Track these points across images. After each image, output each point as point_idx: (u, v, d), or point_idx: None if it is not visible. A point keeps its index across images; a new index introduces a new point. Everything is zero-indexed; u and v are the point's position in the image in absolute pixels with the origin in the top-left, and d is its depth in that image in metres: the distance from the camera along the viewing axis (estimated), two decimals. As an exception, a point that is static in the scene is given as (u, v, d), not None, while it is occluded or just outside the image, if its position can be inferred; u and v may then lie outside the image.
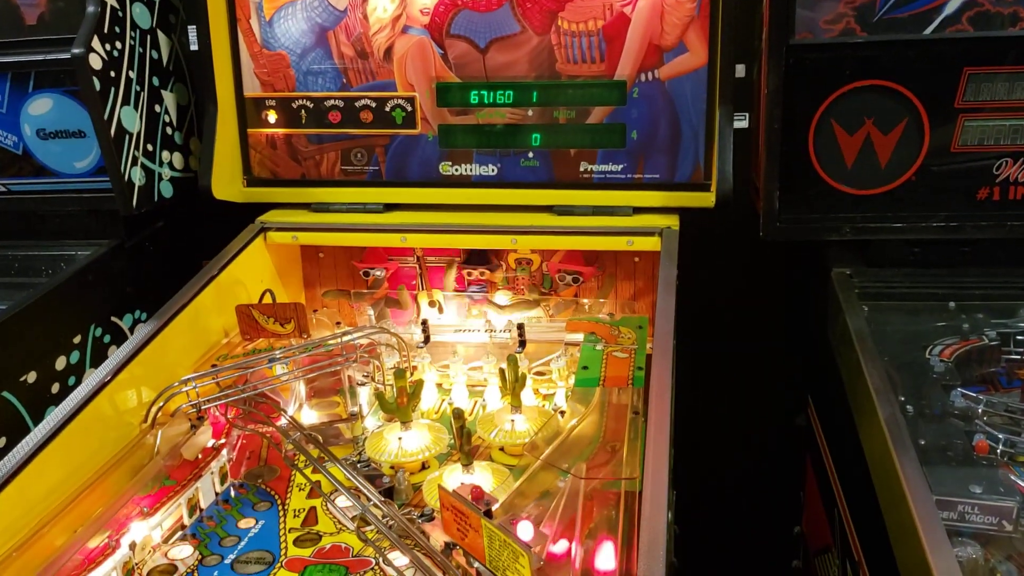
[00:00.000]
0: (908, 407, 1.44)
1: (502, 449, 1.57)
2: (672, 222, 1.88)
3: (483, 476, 1.43)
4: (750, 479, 2.39)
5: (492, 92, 1.91)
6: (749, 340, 2.32)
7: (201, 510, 1.50)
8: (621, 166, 1.92)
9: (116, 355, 1.53)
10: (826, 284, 1.82)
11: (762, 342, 2.32)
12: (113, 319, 1.96)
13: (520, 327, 1.79)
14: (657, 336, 1.51)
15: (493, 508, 1.21)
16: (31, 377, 1.74)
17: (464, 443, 1.40)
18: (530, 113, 1.91)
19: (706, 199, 1.86)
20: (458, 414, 1.41)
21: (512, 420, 1.57)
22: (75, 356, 1.85)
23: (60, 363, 1.81)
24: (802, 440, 2.11)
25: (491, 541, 1.19)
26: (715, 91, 1.84)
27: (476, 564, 1.24)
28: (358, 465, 1.53)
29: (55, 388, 1.79)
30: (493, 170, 1.95)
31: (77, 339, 1.86)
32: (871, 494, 1.40)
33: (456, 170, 1.95)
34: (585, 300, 1.97)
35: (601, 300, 2.02)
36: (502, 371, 1.57)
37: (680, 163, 1.90)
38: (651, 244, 1.84)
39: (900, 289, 1.79)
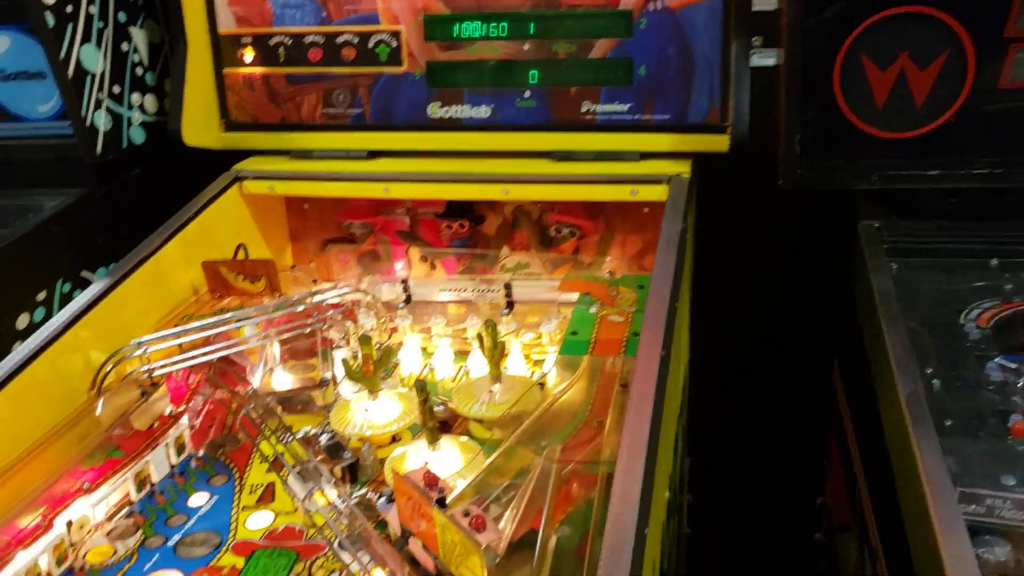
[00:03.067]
0: (935, 380, 1.27)
1: (481, 421, 1.43)
2: (683, 169, 1.70)
3: (451, 453, 1.29)
4: (772, 446, 2.23)
5: (485, 24, 1.73)
6: (772, 298, 2.15)
7: (153, 484, 1.38)
8: (627, 106, 1.73)
9: (60, 314, 1.41)
10: (852, 238, 1.64)
11: (786, 300, 2.14)
12: (84, 273, 1.84)
13: (507, 287, 1.63)
14: (651, 299, 1.34)
15: (448, 497, 1.07)
16: (-10, 336, 1.64)
17: (427, 419, 1.26)
18: (526, 47, 1.73)
19: (720, 142, 1.67)
20: (421, 387, 1.26)
21: (491, 391, 1.42)
22: (39, 313, 1.74)
23: (22, 321, 1.70)
24: (827, 407, 1.95)
25: (443, 533, 1.06)
26: (730, 21, 1.64)
27: (435, 557, 1.11)
28: (322, 437, 1.40)
29: (16, 347, 1.69)
30: (486, 112, 1.77)
31: (42, 295, 1.74)
32: (890, 477, 1.24)
33: (446, 112, 1.79)
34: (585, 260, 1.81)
35: (608, 258, 1.86)
36: (480, 337, 1.42)
37: (693, 102, 1.71)
38: (658, 193, 1.66)
39: (935, 244, 1.59)
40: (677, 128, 1.73)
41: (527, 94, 1.75)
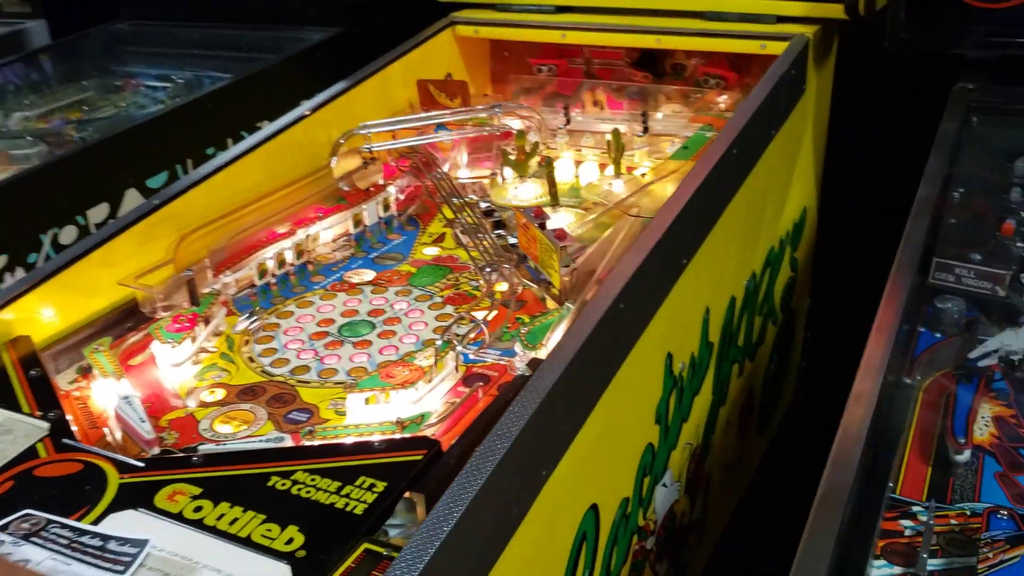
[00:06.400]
0: (958, 190, 1.55)
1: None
2: (809, 31, 2.00)
3: (565, 216, 1.74)
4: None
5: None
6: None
7: (365, 226, 1.93)
8: (767, -25, 2.05)
9: (308, 102, 1.98)
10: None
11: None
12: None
13: (644, 114, 2.04)
14: (726, 130, 1.69)
15: (546, 222, 1.53)
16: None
17: (551, 187, 1.71)
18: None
19: (835, 9, 1.96)
20: (548, 161, 1.72)
21: (611, 184, 1.85)
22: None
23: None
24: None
25: (540, 246, 1.52)
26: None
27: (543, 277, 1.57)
28: (482, 204, 1.88)
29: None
30: (651, -23, 2.15)
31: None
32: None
33: (619, -23, 2.18)
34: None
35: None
36: (608, 142, 1.85)
37: (822, -25, 2.00)
38: (782, 49, 1.99)
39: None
40: (805, -3, 2.03)
41: (686, -37, 2.12)
